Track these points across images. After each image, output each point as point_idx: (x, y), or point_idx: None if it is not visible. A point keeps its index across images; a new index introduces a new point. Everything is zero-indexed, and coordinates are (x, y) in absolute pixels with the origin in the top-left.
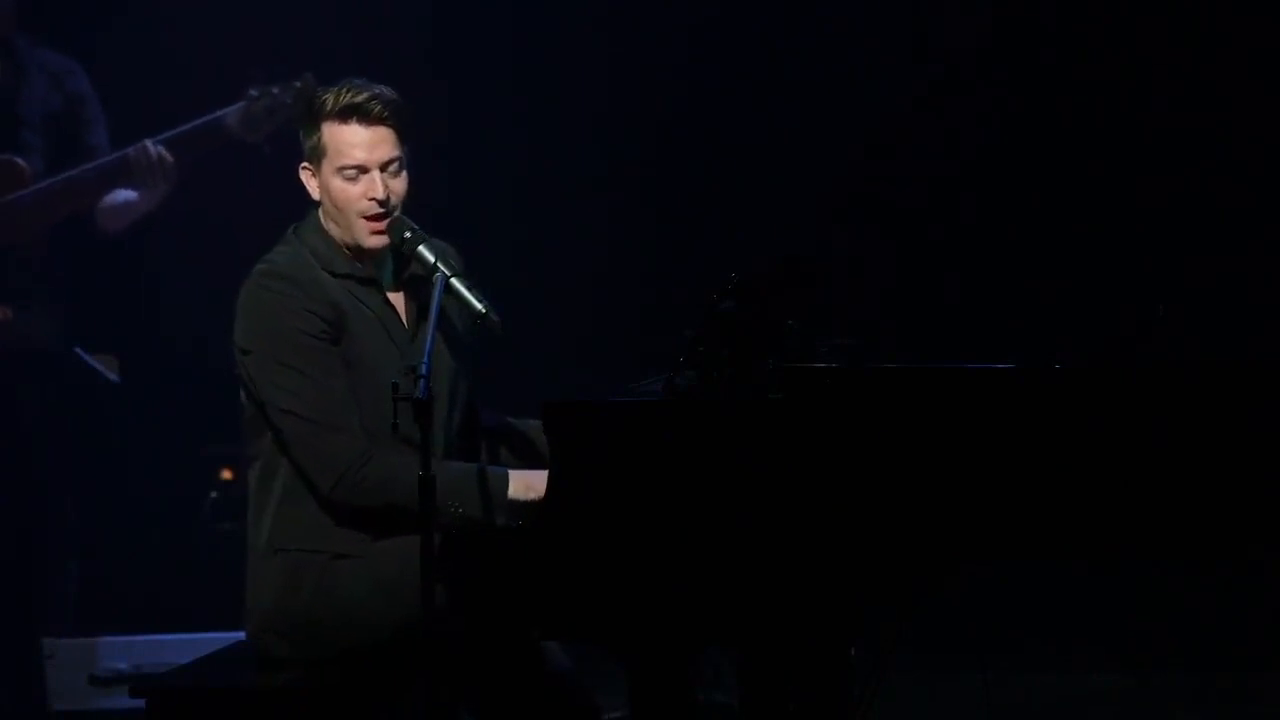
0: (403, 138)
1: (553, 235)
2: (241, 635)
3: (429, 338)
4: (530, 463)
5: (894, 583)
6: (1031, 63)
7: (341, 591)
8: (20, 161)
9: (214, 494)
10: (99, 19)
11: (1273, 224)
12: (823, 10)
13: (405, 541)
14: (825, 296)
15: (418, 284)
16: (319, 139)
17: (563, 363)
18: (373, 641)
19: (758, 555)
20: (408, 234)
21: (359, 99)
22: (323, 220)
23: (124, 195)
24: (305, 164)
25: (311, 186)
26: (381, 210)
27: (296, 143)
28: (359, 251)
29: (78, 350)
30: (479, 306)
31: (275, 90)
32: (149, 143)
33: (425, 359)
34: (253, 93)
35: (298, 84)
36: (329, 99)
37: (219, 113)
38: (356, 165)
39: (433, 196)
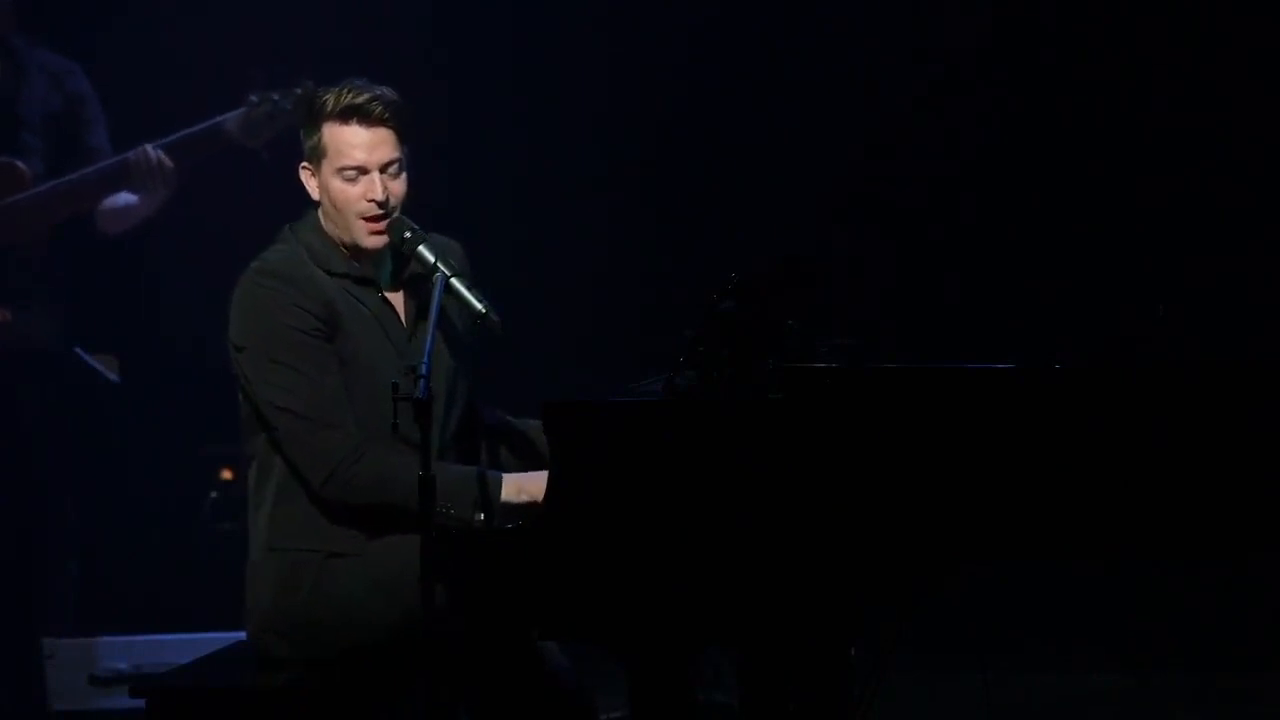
0: (403, 139)
1: (553, 235)
2: (241, 635)
3: (429, 337)
4: (530, 463)
5: (894, 583)
6: (1031, 63)
7: (339, 591)
8: (20, 165)
9: (214, 494)
10: (99, 19)
11: (1273, 224)
12: (823, 10)
13: (403, 541)
14: (825, 296)
15: (417, 283)
16: (319, 139)
17: (563, 363)
18: (372, 641)
19: (758, 555)
20: (408, 234)
21: (360, 100)
22: (321, 220)
23: (124, 199)
24: (305, 164)
25: (311, 186)
26: (381, 212)
27: (296, 148)
28: (357, 251)
29: (78, 350)
30: (479, 306)
31: (275, 96)
32: (149, 147)
33: (425, 359)
34: (253, 99)
35: (298, 90)
36: (330, 99)
37: (219, 118)
38: (356, 166)
39: (433, 196)
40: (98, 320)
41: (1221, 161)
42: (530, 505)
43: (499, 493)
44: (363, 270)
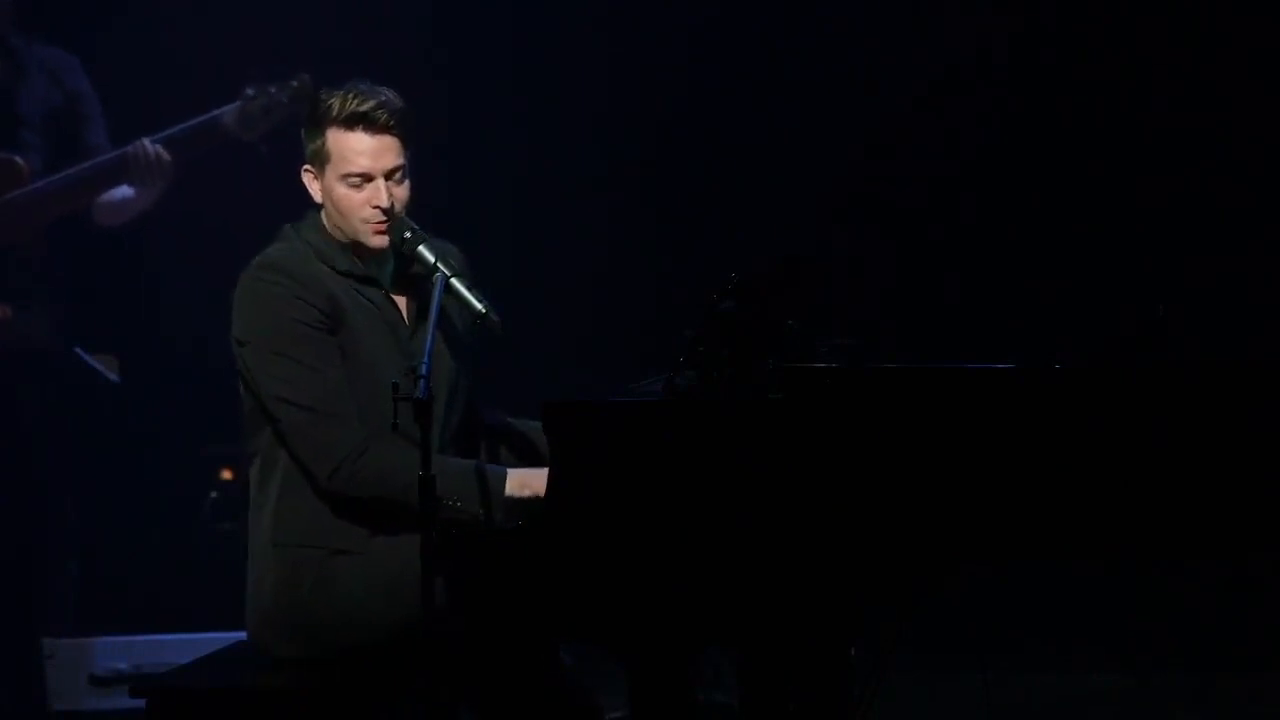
0: (407, 145)
1: (553, 235)
2: (242, 635)
3: (429, 337)
4: (530, 463)
5: (894, 583)
6: (1031, 63)
7: (340, 590)
8: (19, 160)
9: (214, 494)
10: (99, 19)
11: (1273, 224)
12: (823, 10)
13: (404, 540)
14: (825, 296)
15: (418, 284)
16: (323, 144)
17: (563, 363)
18: (372, 641)
19: (758, 555)
20: (408, 234)
21: (365, 107)
22: (324, 221)
23: (121, 193)
24: (308, 166)
25: (314, 189)
26: (385, 218)
27: (294, 142)
28: (360, 250)
29: (78, 350)
30: (479, 306)
31: (272, 89)
32: (146, 141)
33: (425, 359)
34: (249, 92)
35: (294, 83)
36: (334, 104)
37: (216, 112)
38: (362, 173)
39: (433, 196)
40: (98, 320)
41: (1221, 161)
42: (534, 500)
43: (503, 487)
44: (366, 269)
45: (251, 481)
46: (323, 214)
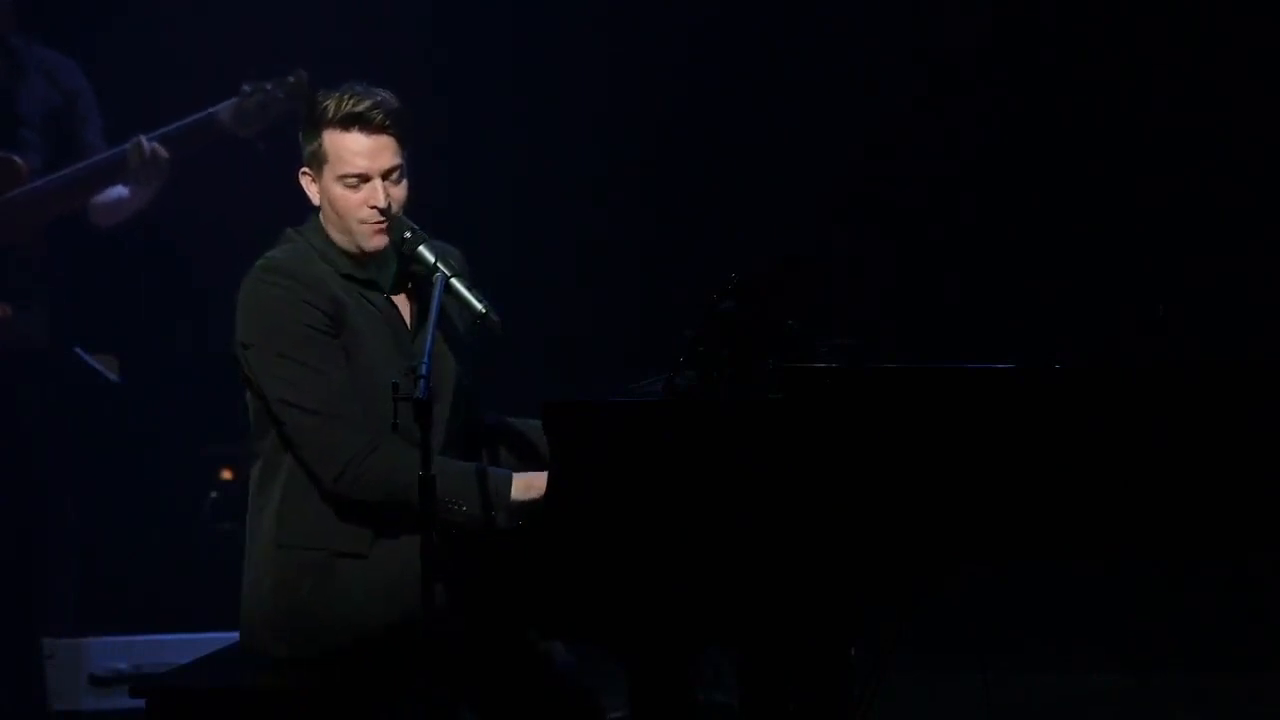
0: (404, 145)
1: (553, 235)
2: None
3: (429, 338)
4: (530, 463)
5: (894, 583)
6: (1031, 63)
7: (340, 593)
8: (18, 159)
9: (214, 494)
10: (99, 19)
11: (1273, 224)
12: (823, 10)
13: (405, 542)
14: (825, 296)
15: (418, 285)
16: (320, 145)
17: (563, 363)
18: (371, 643)
19: (758, 555)
20: (408, 234)
21: (361, 107)
22: (323, 224)
23: (116, 192)
24: (305, 169)
25: (311, 192)
26: (383, 219)
27: (291, 139)
28: (360, 255)
29: (78, 350)
30: (479, 306)
31: (268, 86)
32: (143, 139)
33: (425, 359)
34: (245, 88)
35: (290, 79)
36: (330, 105)
37: (212, 109)
38: (359, 174)
39: (433, 196)
40: (98, 320)
41: (1221, 161)
42: (539, 502)
43: (508, 490)
44: (367, 273)
45: (251, 482)
46: (321, 216)
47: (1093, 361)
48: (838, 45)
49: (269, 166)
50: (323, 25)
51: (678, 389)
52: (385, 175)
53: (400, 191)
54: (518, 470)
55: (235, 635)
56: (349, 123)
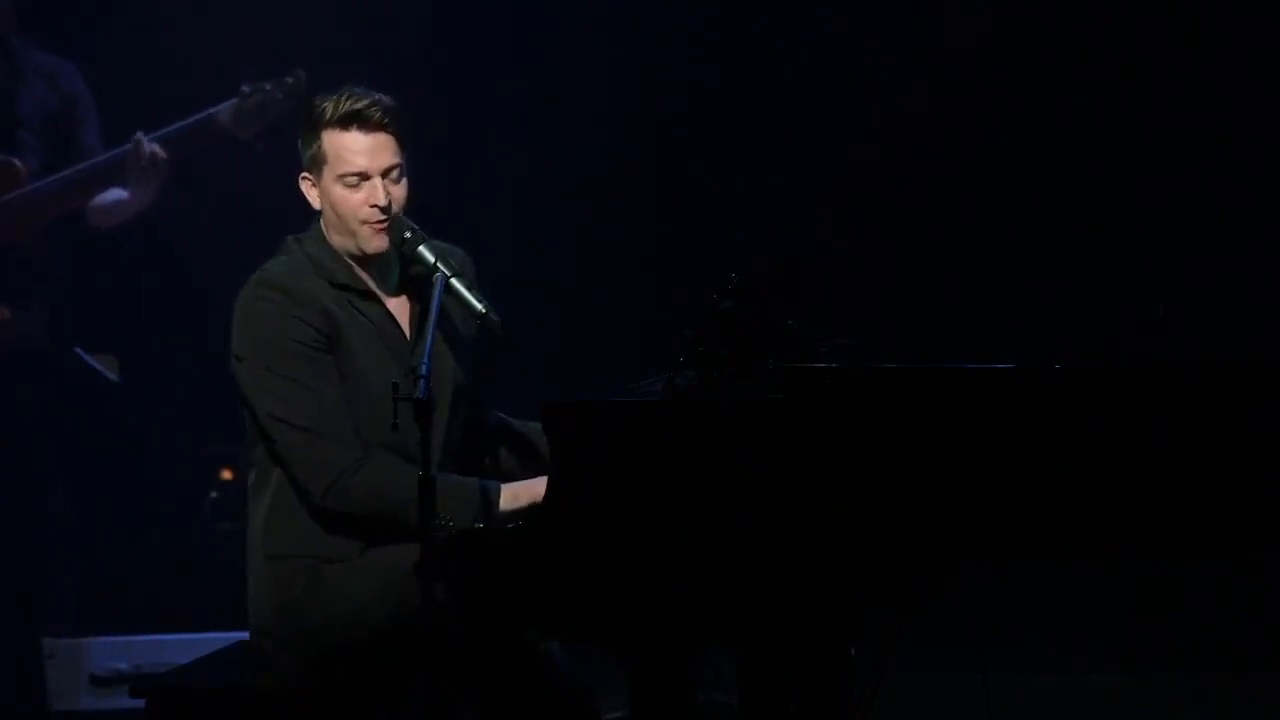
0: (402, 144)
1: (553, 235)
2: (242, 635)
3: (429, 338)
4: (531, 464)
5: (894, 583)
6: (1031, 63)
7: (339, 595)
8: (16, 162)
9: (214, 494)
10: (99, 19)
11: (1273, 224)
12: (823, 10)
13: (401, 544)
14: (825, 296)
15: (419, 287)
16: (319, 147)
17: (563, 363)
18: (373, 643)
19: (758, 555)
20: (408, 234)
21: (359, 106)
22: (324, 230)
23: (115, 194)
24: (305, 174)
25: (312, 196)
26: (384, 218)
27: (290, 140)
28: (362, 260)
29: (78, 350)
30: (479, 306)
31: (267, 86)
32: (143, 140)
33: (425, 359)
34: (245, 89)
35: (289, 80)
36: (328, 107)
37: (211, 110)
38: (358, 172)
39: (433, 197)
40: (98, 320)
41: (1221, 161)
42: (529, 509)
43: (495, 503)
44: (367, 283)
45: (249, 489)
46: (321, 221)
47: (1093, 361)
48: (838, 45)
49: (268, 167)
50: (323, 25)
51: (678, 389)
52: (385, 173)
53: (400, 191)
54: (518, 471)
55: (235, 635)
56: (347, 121)
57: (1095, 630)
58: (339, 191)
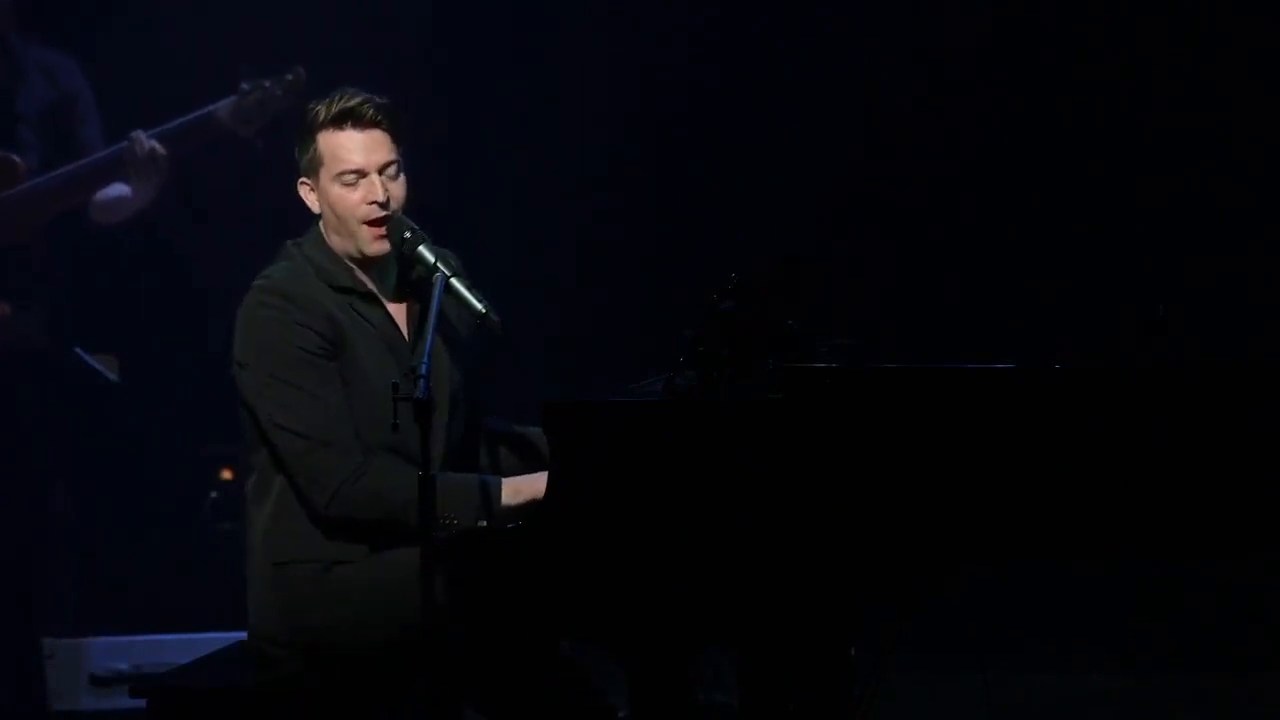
0: (398, 141)
1: (553, 235)
2: (242, 635)
3: (429, 338)
4: (531, 464)
5: (894, 583)
6: (1031, 63)
7: (342, 598)
8: (16, 158)
9: (214, 494)
10: (99, 18)
11: (1273, 224)
12: (823, 10)
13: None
14: (825, 296)
15: (419, 289)
16: (315, 149)
17: (563, 363)
18: (377, 647)
19: (758, 555)
20: (407, 234)
21: (351, 104)
22: (324, 233)
23: (116, 190)
24: (303, 179)
25: (311, 201)
26: (383, 214)
27: (289, 138)
28: (363, 263)
29: (78, 350)
30: (479, 306)
31: (267, 83)
32: (141, 134)
33: (425, 359)
34: (244, 86)
35: (289, 76)
36: (321, 110)
37: (210, 107)
38: (355, 169)
39: (433, 196)
40: (98, 320)
41: (1221, 161)
42: (531, 505)
43: (498, 499)
44: (368, 285)
45: (247, 496)
46: (321, 225)
47: (1093, 361)
48: (838, 45)
49: (268, 165)
50: (323, 25)
51: (678, 389)
52: (381, 170)
53: (398, 189)
54: (519, 472)
55: (235, 635)
56: (341, 120)
57: (1095, 630)
58: (337, 191)
